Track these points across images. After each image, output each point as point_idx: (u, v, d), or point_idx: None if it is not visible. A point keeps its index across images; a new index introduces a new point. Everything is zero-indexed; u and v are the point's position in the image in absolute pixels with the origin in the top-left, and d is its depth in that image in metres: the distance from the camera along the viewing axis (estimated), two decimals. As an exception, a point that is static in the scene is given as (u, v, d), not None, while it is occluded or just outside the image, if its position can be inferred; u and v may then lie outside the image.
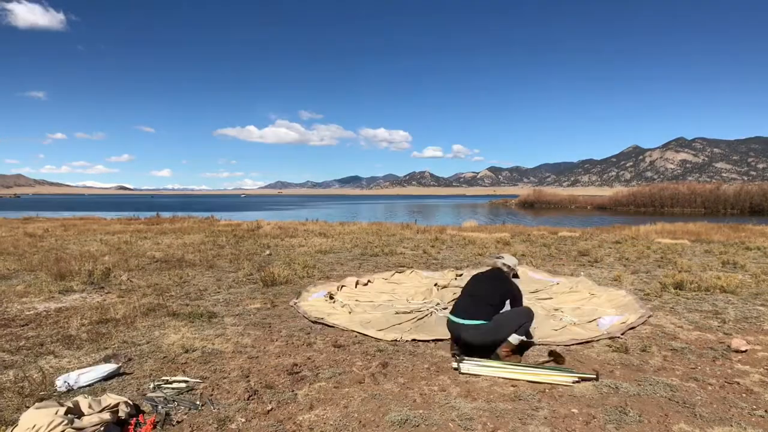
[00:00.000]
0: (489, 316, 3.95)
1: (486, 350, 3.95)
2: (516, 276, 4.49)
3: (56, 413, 2.62)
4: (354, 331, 4.77)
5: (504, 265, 4.37)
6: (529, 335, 4.21)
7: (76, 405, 2.77)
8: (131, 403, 3.00)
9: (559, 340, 4.43)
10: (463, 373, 3.65)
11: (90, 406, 2.77)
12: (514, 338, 3.94)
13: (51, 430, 2.53)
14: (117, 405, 2.86)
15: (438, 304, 5.79)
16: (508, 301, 4.12)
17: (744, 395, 3.31)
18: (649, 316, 5.19)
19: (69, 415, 2.64)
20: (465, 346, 4.00)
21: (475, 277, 4.36)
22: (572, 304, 5.78)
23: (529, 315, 4.07)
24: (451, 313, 4.14)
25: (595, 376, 3.53)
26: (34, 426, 2.53)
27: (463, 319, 3.96)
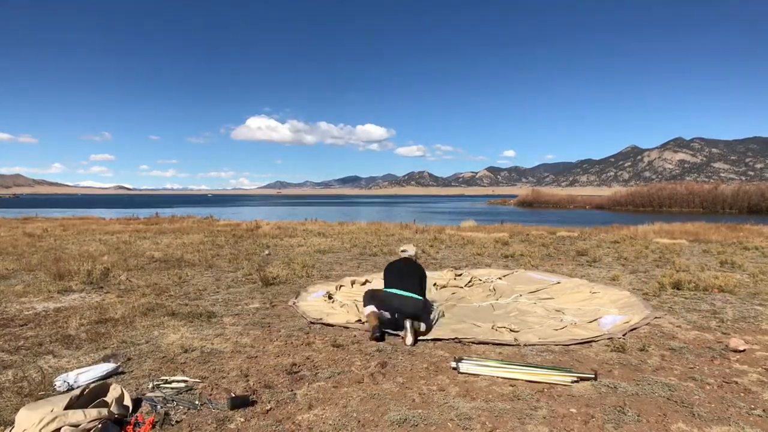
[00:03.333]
0: (421, 293, 4.86)
1: (412, 318, 4.57)
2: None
3: (52, 410, 2.61)
4: (352, 327, 4.79)
5: (412, 255, 5.41)
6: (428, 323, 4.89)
7: (74, 402, 2.77)
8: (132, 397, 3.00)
9: (559, 339, 4.44)
10: (462, 373, 3.65)
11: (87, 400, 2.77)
12: (426, 319, 4.79)
13: (47, 425, 2.53)
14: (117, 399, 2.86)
15: (438, 303, 5.80)
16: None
17: (742, 395, 3.32)
18: (655, 318, 5.18)
19: (66, 411, 2.64)
20: (397, 312, 4.69)
21: (396, 265, 5.19)
22: (574, 305, 5.77)
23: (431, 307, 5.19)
24: (388, 287, 4.91)
25: (593, 376, 3.54)
26: (31, 423, 2.53)
27: (403, 291, 4.76)
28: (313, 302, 5.92)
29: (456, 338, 4.48)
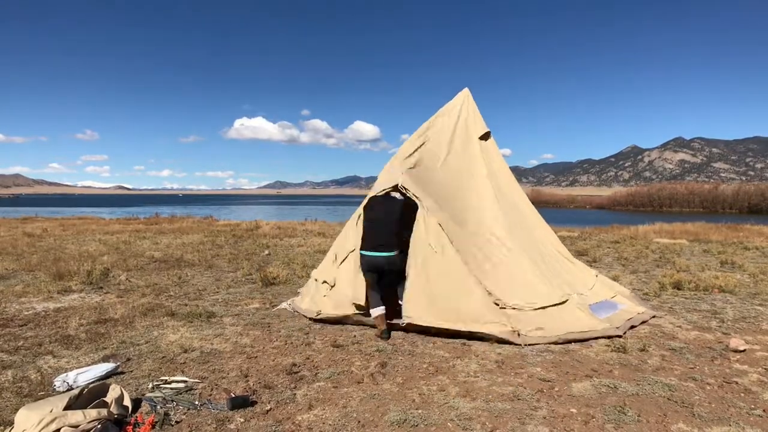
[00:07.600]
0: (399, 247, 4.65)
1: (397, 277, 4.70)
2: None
3: (51, 411, 2.61)
4: (351, 325, 4.80)
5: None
6: None
7: (73, 402, 2.77)
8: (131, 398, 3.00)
9: (559, 332, 4.40)
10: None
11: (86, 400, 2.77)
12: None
13: (47, 426, 2.52)
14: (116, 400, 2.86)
15: None
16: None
17: (742, 395, 3.32)
18: (652, 316, 5.19)
19: (66, 411, 2.64)
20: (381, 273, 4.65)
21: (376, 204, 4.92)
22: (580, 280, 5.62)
23: None
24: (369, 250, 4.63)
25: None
26: (30, 423, 2.53)
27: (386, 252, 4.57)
28: (306, 295, 5.75)
29: (459, 332, 4.48)
